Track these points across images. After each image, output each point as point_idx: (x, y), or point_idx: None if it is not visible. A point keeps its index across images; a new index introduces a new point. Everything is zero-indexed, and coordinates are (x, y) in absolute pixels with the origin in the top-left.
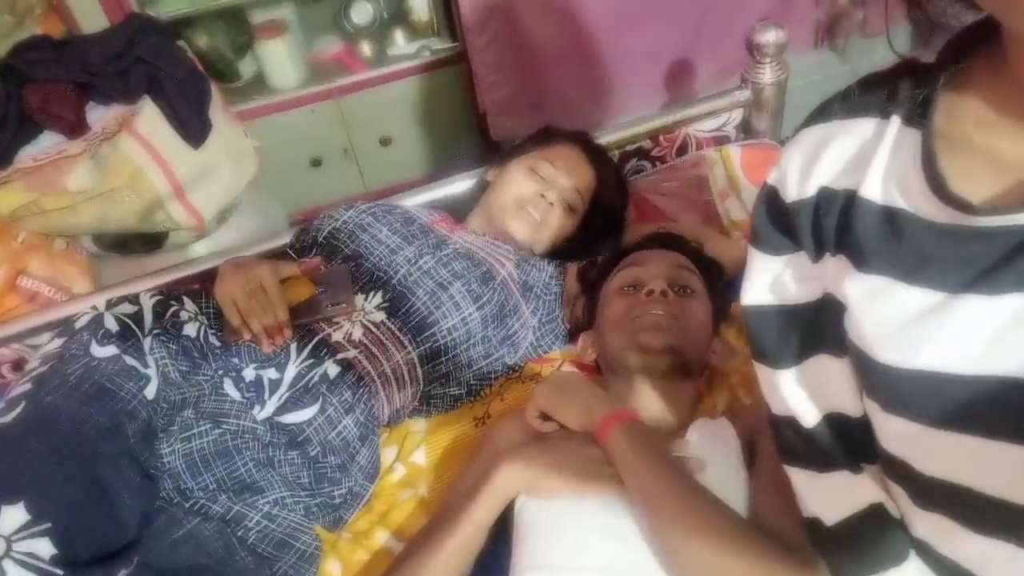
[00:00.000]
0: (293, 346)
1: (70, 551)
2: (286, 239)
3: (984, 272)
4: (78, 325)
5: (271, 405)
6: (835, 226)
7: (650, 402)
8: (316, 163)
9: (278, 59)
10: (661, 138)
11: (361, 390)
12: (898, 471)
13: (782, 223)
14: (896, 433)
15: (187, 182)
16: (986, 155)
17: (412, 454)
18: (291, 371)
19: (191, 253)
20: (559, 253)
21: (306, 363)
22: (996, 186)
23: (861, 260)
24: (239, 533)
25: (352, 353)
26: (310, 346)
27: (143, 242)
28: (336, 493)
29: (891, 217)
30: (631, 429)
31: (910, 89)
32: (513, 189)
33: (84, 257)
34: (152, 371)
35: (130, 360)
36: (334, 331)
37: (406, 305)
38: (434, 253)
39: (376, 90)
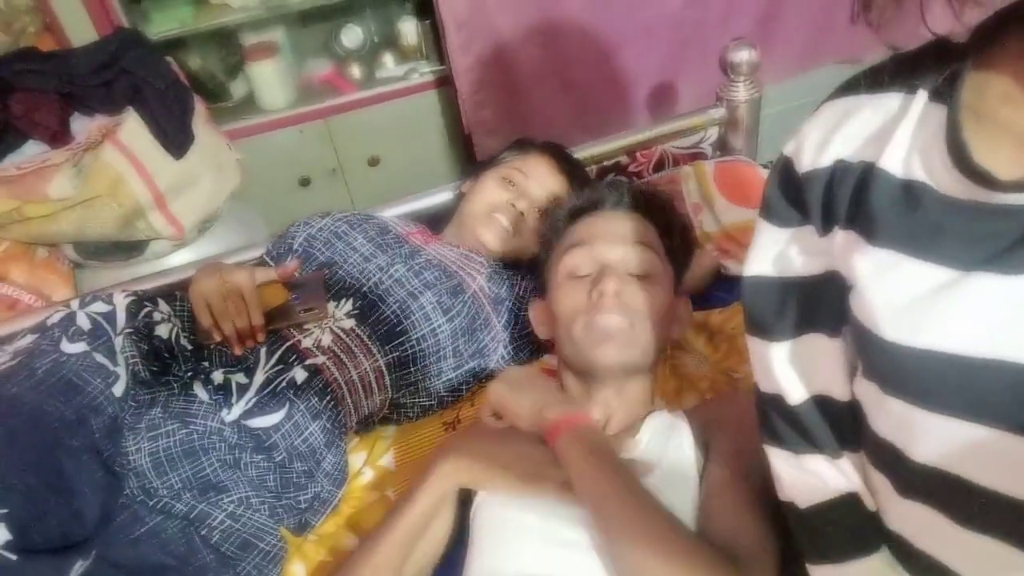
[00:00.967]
0: (263, 351)
1: (25, 538)
2: (264, 250)
3: (1002, 250)
4: (50, 322)
5: (238, 409)
6: (848, 199)
7: (604, 401)
8: (305, 183)
9: (268, 80)
10: (638, 154)
11: (328, 397)
12: (886, 458)
13: (793, 194)
14: (892, 416)
15: (168, 191)
16: (1012, 132)
17: (380, 458)
18: (259, 376)
19: (171, 262)
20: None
21: (274, 369)
22: (1020, 163)
23: (873, 234)
24: (202, 532)
25: (320, 359)
26: (279, 352)
27: (123, 251)
28: (302, 498)
29: (909, 190)
30: (582, 434)
31: (939, 66)
32: (484, 197)
33: (65, 266)
34: (121, 369)
35: (100, 358)
36: (303, 337)
37: (376, 313)
38: (407, 262)
39: (365, 111)
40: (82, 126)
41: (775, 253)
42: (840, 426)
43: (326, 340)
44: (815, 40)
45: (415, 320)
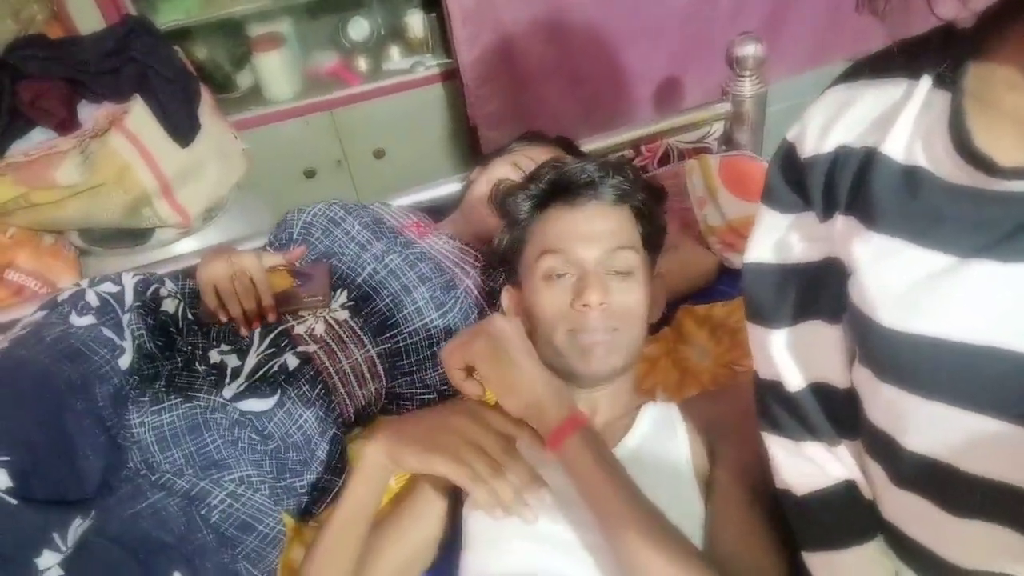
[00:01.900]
0: (256, 334)
1: (25, 487)
2: (266, 239)
3: (1001, 237)
4: (60, 299)
5: (229, 391)
6: (849, 184)
7: (588, 403)
8: (310, 174)
9: (275, 71)
10: (643, 148)
11: (319, 386)
12: (880, 447)
13: (795, 180)
14: (886, 403)
15: (174, 180)
16: (1015, 119)
17: None
18: (252, 359)
19: (176, 251)
20: None
21: (267, 352)
22: (1022, 150)
23: (872, 219)
24: (202, 511)
25: (312, 348)
26: (271, 336)
27: (129, 238)
28: (297, 484)
29: (910, 176)
30: (588, 438)
31: (943, 52)
32: (494, 179)
33: (71, 253)
34: (128, 344)
35: (107, 332)
36: (297, 324)
37: (369, 305)
38: (401, 252)
39: (370, 103)
40: (89, 113)
41: (776, 239)
42: (838, 414)
43: (319, 329)
44: (823, 37)
45: (408, 314)
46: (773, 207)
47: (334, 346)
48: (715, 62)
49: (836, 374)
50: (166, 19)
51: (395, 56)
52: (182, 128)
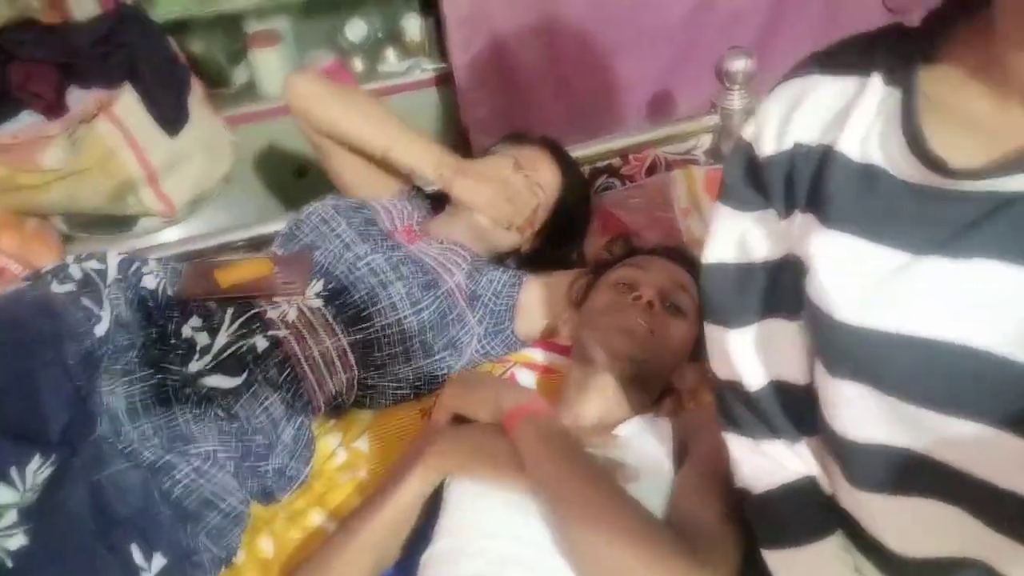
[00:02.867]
0: (228, 313)
1: None
2: (255, 231)
3: (953, 235)
4: (44, 270)
5: (196, 366)
6: (808, 181)
7: (597, 402)
8: (301, 172)
9: (270, 68)
10: (631, 157)
11: (287, 370)
12: (834, 443)
13: (754, 179)
14: (840, 399)
15: (160, 168)
16: (964, 120)
17: (355, 440)
18: (222, 338)
19: (160, 239)
20: (516, 258)
21: (237, 333)
22: (972, 151)
23: (828, 216)
24: (165, 485)
25: (282, 332)
26: (243, 317)
27: (113, 224)
28: (262, 468)
29: (866, 173)
30: (538, 421)
31: (893, 50)
32: None
33: (55, 237)
34: (106, 314)
35: (86, 301)
36: (270, 308)
37: (344, 296)
38: (385, 253)
39: None
40: (79, 99)
41: (736, 238)
42: (798, 412)
43: (291, 315)
44: None
45: (382, 308)
46: (732, 206)
47: (305, 332)
48: (707, 75)
49: (795, 371)
50: (164, 11)
51: (391, 58)
52: (170, 117)
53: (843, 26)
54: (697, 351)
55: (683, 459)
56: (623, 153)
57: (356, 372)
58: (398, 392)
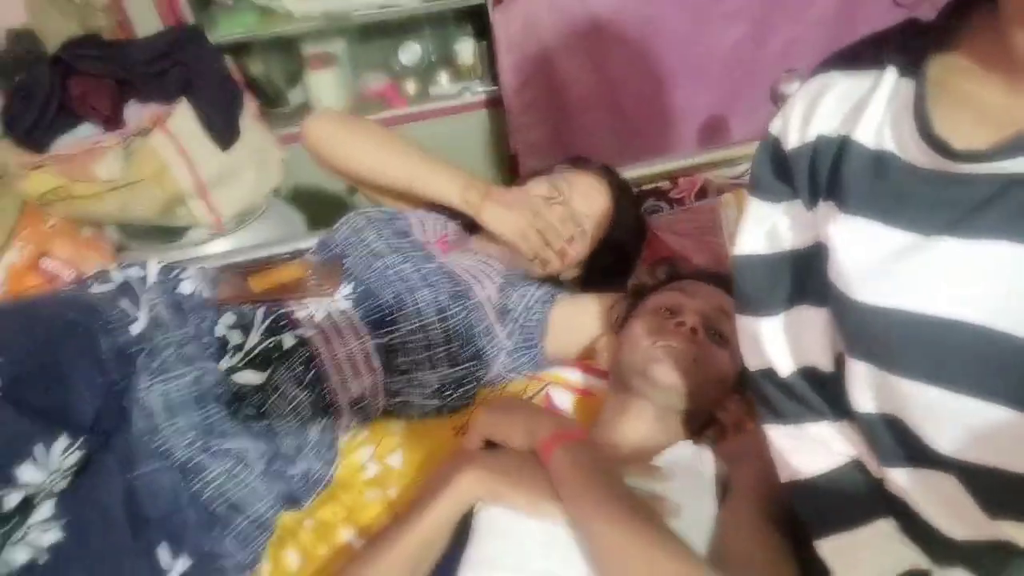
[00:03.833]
0: (259, 313)
1: (14, 390)
2: (296, 244)
3: (961, 217)
4: (85, 276)
5: (227, 363)
6: (828, 171)
7: (636, 428)
8: (352, 190)
9: (326, 89)
10: (680, 180)
11: (313, 370)
12: (858, 421)
13: (781, 171)
14: (857, 377)
15: (210, 181)
16: (972, 104)
17: (388, 456)
18: (254, 337)
19: (208, 250)
20: (555, 279)
21: (266, 331)
22: (980, 135)
23: (845, 202)
24: (195, 486)
25: (310, 332)
26: (272, 316)
27: (164, 235)
28: (289, 471)
29: (879, 160)
30: (575, 449)
31: (908, 43)
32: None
33: (108, 246)
34: (143, 315)
35: (123, 303)
36: (298, 309)
37: (371, 300)
38: (416, 263)
39: (416, 126)
40: (136, 113)
41: (766, 229)
42: (832, 395)
43: (319, 316)
44: None
45: (407, 313)
46: (762, 197)
47: (331, 333)
48: (761, 102)
49: (822, 359)
50: (225, 33)
51: (443, 81)
52: (223, 132)
53: None
54: (741, 382)
55: (726, 489)
56: (672, 176)
57: (381, 376)
58: (425, 402)
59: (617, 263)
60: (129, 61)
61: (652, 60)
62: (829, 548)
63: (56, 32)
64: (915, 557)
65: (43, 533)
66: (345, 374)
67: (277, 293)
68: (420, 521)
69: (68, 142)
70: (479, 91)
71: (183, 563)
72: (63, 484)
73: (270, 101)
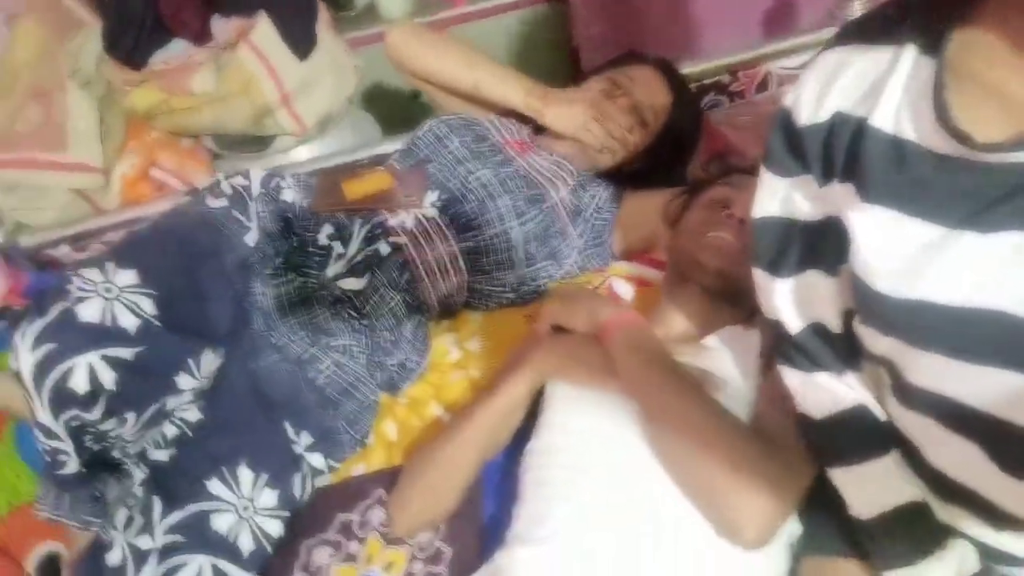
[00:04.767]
0: (357, 223)
1: (167, 316)
2: (378, 149)
3: (983, 208)
4: (200, 187)
5: (332, 270)
6: (845, 152)
7: (689, 311)
8: (416, 94)
9: None
10: (741, 73)
11: (406, 273)
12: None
13: (793, 146)
14: (887, 346)
15: (293, 91)
16: (994, 92)
17: (468, 341)
18: (353, 245)
19: (295, 156)
20: (619, 175)
21: (364, 239)
22: (1001, 123)
23: (866, 191)
24: (311, 375)
25: (402, 239)
26: (368, 226)
27: (254, 144)
28: (388, 362)
29: (898, 147)
30: (631, 331)
31: (928, 19)
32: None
33: (206, 154)
34: (254, 224)
35: (236, 213)
36: (391, 217)
37: (456, 206)
38: (495, 169)
39: (479, 23)
40: (221, 26)
41: (780, 198)
42: (838, 350)
43: (409, 223)
44: None
45: (490, 218)
46: (773, 170)
47: (421, 239)
48: None
49: (830, 319)
50: None
51: None
52: (301, 43)
53: None
54: None
55: (769, 369)
56: (733, 69)
57: (466, 276)
58: (503, 296)
59: (676, 153)
60: None
61: None
62: (838, 475)
63: None
64: (916, 491)
65: (185, 411)
66: (435, 276)
67: (370, 203)
68: (496, 397)
69: (162, 57)
70: None
71: (306, 438)
72: (208, 384)
73: (336, 5)
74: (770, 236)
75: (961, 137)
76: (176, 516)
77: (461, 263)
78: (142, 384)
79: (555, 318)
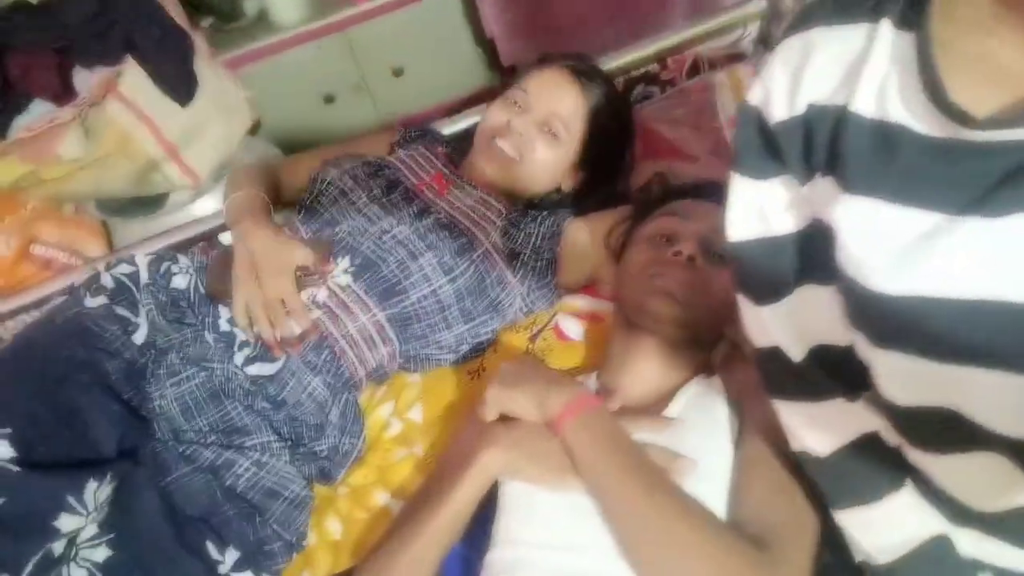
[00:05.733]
0: None
1: (30, 455)
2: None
3: (987, 191)
4: (76, 284)
5: (239, 357)
6: (826, 144)
7: (646, 364)
8: (329, 99)
9: None
10: (669, 60)
11: (325, 351)
12: (888, 408)
13: (767, 145)
14: (885, 368)
15: (179, 141)
16: (985, 63)
17: (408, 411)
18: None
19: (195, 212)
20: (559, 200)
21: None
22: (996, 98)
23: (849, 182)
24: (228, 482)
25: (316, 314)
26: None
27: (144, 205)
28: (317, 448)
29: (883, 132)
30: (587, 420)
31: None
32: (485, 123)
33: (94, 220)
34: (143, 320)
35: (120, 310)
36: (300, 293)
37: (373, 271)
38: (412, 223)
39: (384, 19)
40: (84, 80)
41: (755, 211)
42: (847, 372)
43: (321, 296)
44: None
45: (415, 280)
46: (747, 175)
47: (338, 311)
48: None
49: (835, 334)
50: None
51: None
52: (179, 86)
53: None
54: None
55: (742, 419)
56: (661, 57)
57: (397, 345)
58: (441, 358)
59: (608, 161)
60: (64, 25)
61: None
62: (848, 519)
63: None
64: (931, 524)
65: (92, 550)
66: (360, 349)
67: None
68: (445, 504)
69: (23, 123)
70: None
71: (232, 554)
72: (104, 512)
73: (223, 17)
74: (755, 260)
75: (958, 115)
76: None
77: (390, 332)
78: (10, 542)
79: (501, 407)
